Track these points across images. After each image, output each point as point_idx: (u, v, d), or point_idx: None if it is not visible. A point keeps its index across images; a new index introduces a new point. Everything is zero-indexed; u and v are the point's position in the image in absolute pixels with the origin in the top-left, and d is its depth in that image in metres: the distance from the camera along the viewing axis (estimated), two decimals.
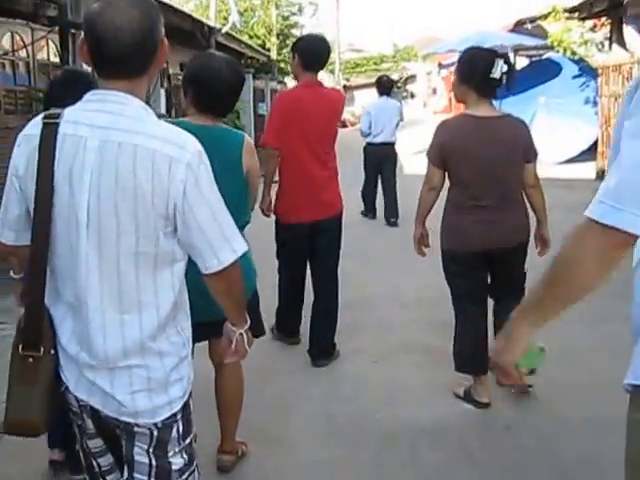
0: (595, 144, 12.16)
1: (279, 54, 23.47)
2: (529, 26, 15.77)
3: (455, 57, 17.39)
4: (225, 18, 16.53)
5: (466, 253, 3.25)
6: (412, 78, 41.27)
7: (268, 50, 22.08)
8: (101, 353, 1.58)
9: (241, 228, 2.10)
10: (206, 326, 2.15)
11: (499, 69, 3.13)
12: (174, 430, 1.70)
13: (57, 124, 1.55)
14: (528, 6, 19.49)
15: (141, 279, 1.57)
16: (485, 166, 3.12)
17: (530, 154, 3.26)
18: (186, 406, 1.73)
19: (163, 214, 1.52)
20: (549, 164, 12.64)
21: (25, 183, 1.59)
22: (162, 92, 12.58)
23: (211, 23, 12.01)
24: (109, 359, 1.59)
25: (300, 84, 4.00)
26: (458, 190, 3.25)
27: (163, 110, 12.63)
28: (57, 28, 6.72)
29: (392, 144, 8.60)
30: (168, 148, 1.51)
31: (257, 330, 2.47)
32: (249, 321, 1.86)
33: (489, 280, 3.43)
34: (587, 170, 12.03)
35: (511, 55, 18.41)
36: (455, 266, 3.32)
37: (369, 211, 8.96)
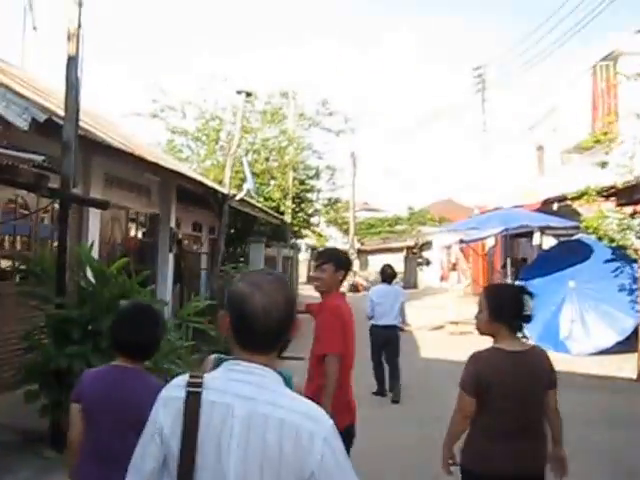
0: (634, 335, 11.16)
1: (294, 218, 23.57)
2: (556, 205, 15.43)
3: (480, 234, 17.28)
4: (242, 179, 16.70)
5: (492, 477, 3.34)
6: (428, 244, 41.47)
7: (282, 214, 22.16)
8: None
9: None
10: None
11: (529, 306, 3.38)
12: None
13: (200, 391, 1.71)
14: (553, 184, 19.66)
15: None
16: (516, 397, 3.33)
17: (552, 382, 3.48)
18: None
19: None
20: (579, 356, 11.99)
21: (168, 442, 1.72)
22: (171, 257, 12.17)
23: (225, 190, 11.85)
24: None
25: (338, 294, 4.38)
26: (488, 417, 3.40)
27: (171, 276, 12.15)
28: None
29: (394, 327, 9.37)
30: (308, 423, 1.68)
31: None
32: None
33: None
34: (624, 365, 10.99)
35: (537, 235, 18.22)
36: None
37: (379, 391, 9.39)
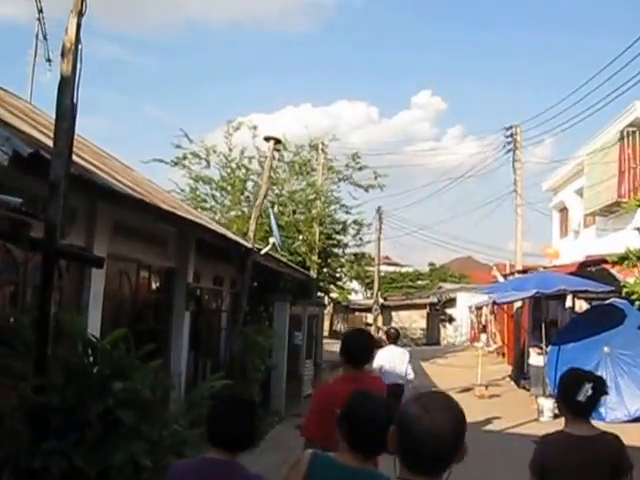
0: None
1: (319, 273, 22.20)
2: (593, 269, 14.31)
3: (514, 296, 15.98)
4: (267, 232, 15.44)
5: None
6: (451, 302, 40.19)
7: (308, 269, 20.80)
8: None
9: None
10: None
11: (584, 393, 3.21)
12: None
13: None
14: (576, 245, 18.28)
15: None
16: None
17: (622, 469, 3.27)
18: None
19: None
20: (613, 423, 10.88)
21: None
22: (187, 316, 10.75)
23: (249, 244, 10.47)
24: None
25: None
26: None
27: (187, 337, 10.70)
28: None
29: (401, 385, 9.32)
30: None
31: None
32: None
33: None
34: None
35: (569, 297, 16.83)
36: None
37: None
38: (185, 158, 21.64)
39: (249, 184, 21.80)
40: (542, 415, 12.22)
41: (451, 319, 39.98)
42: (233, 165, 21.88)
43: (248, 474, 2.76)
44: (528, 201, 22.72)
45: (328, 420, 3.60)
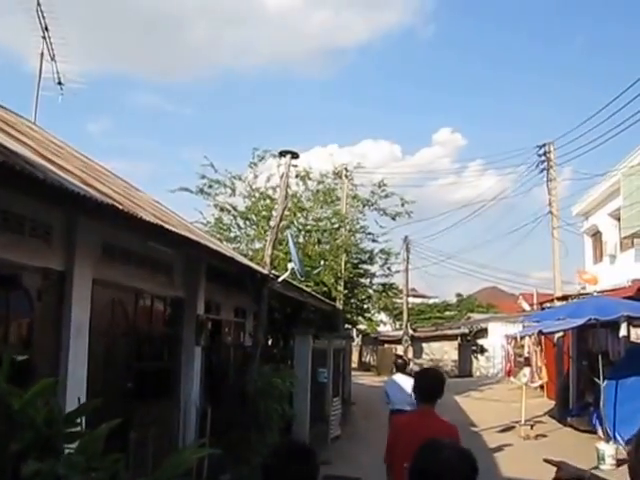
0: None
1: (346, 304, 20.56)
2: None
3: (565, 325, 14.08)
4: (290, 260, 13.92)
5: None
6: (482, 332, 38.31)
7: (334, 300, 19.18)
8: None
9: None
10: None
11: None
12: None
13: None
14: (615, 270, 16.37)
15: None
16: None
17: None
18: None
19: None
20: None
21: None
22: (198, 351, 9.23)
23: (265, 271, 8.93)
24: None
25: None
26: None
27: (198, 376, 9.16)
28: None
29: (407, 411, 9.33)
30: None
31: None
32: None
33: None
34: None
35: (624, 325, 14.91)
36: None
37: None
38: (210, 187, 20.42)
39: (274, 213, 20.39)
40: (603, 462, 10.14)
41: (483, 350, 38.14)
42: (257, 195, 20.58)
43: None
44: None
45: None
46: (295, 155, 9.82)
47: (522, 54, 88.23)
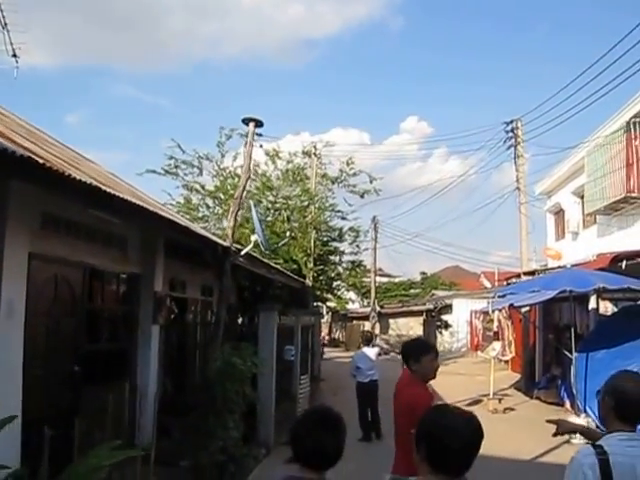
0: None
1: (316, 281, 19.83)
2: (624, 264, 11.80)
3: (537, 298, 13.49)
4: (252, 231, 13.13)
5: None
6: (447, 308, 38.21)
7: (304, 277, 18.44)
8: None
9: None
10: None
11: None
12: None
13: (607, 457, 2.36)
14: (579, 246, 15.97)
15: None
16: None
17: None
18: None
19: None
20: None
21: None
22: (155, 330, 8.37)
23: (225, 243, 8.08)
24: None
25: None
26: None
27: (155, 357, 8.28)
28: None
29: (375, 381, 10.65)
30: None
31: None
32: None
33: None
34: None
35: (593, 298, 14.43)
36: None
37: (364, 437, 10.25)
38: (177, 167, 19.55)
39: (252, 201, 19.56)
40: (574, 436, 9.59)
41: (447, 325, 37.92)
42: (225, 174, 19.71)
43: None
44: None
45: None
46: (259, 123, 8.95)
47: (490, 41, 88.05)
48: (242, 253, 8.44)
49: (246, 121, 8.73)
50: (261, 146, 9.57)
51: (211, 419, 6.17)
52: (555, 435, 3.18)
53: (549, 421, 3.24)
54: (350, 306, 35.89)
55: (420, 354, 4.12)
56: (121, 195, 5.14)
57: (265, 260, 11.74)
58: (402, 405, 4.07)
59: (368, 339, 11.66)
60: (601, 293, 12.80)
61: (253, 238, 9.33)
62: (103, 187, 4.83)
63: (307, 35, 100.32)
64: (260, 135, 9.24)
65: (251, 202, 12.12)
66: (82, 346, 6.64)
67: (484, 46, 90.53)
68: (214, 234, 15.84)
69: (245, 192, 9.57)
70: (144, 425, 7.83)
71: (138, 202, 5.57)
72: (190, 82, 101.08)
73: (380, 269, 45.97)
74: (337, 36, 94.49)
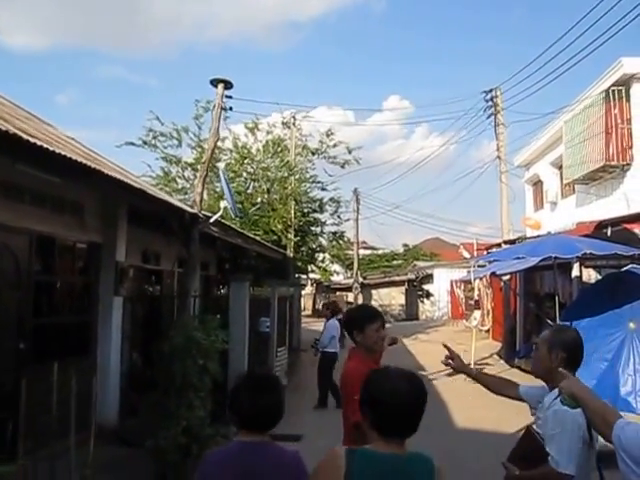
0: None
1: (297, 252, 19.12)
2: (609, 231, 11.21)
3: (521, 265, 12.93)
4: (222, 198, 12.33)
5: None
6: (428, 278, 37.88)
7: (285, 248, 17.71)
8: None
9: None
10: None
11: None
12: None
13: None
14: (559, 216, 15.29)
15: None
16: None
17: None
18: None
19: None
20: None
21: None
22: (118, 302, 7.61)
23: (193, 210, 7.30)
24: None
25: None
26: None
27: (117, 331, 7.54)
28: None
29: (335, 353, 10.64)
30: None
31: None
32: None
33: None
34: None
35: (576, 266, 13.87)
36: None
37: (321, 403, 10.29)
38: (155, 138, 18.62)
39: (221, 164, 18.65)
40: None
41: (428, 294, 37.68)
42: (204, 146, 18.78)
43: (285, 451, 2.36)
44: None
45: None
46: (228, 84, 8.10)
47: (470, 22, 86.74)
48: (211, 220, 7.67)
49: (215, 82, 7.89)
50: (231, 108, 8.70)
51: (173, 398, 5.47)
52: (447, 365, 3.17)
53: (445, 346, 3.23)
54: (335, 278, 35.34)
55: (364, 323, 3.46)
56: (56, 150, 4.32)
57: (240, 230, 10.96)
58: (341, 382, 3.49)
59: (335, 311, 11.55)
60: (584, 261, 12.22)
61: (222, 204, 8.56)
62: (33, 140, 4.01)
63: (293, 17, 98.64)
64: (230, 97, 8.41)
65: (220, 169, 11.30)
66: (28, 320, 5.87)
67: (464, 27, 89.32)
68: (192, 206, 15.03)
69: (213, 156, 8.74)
70: (107, 403, 7.14)
71: (80, 159, 4.76)
72: (180, 64, 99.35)
73: (364, 242, 45.46)
74: (322, 18, 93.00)
